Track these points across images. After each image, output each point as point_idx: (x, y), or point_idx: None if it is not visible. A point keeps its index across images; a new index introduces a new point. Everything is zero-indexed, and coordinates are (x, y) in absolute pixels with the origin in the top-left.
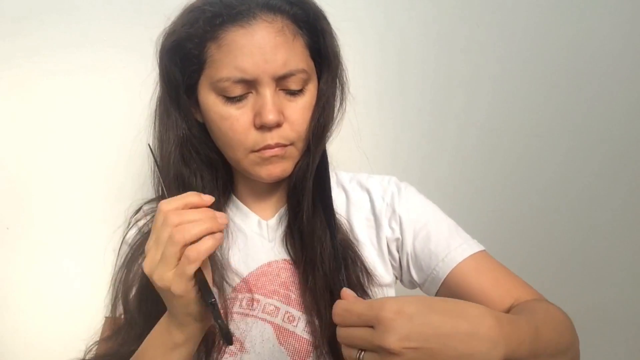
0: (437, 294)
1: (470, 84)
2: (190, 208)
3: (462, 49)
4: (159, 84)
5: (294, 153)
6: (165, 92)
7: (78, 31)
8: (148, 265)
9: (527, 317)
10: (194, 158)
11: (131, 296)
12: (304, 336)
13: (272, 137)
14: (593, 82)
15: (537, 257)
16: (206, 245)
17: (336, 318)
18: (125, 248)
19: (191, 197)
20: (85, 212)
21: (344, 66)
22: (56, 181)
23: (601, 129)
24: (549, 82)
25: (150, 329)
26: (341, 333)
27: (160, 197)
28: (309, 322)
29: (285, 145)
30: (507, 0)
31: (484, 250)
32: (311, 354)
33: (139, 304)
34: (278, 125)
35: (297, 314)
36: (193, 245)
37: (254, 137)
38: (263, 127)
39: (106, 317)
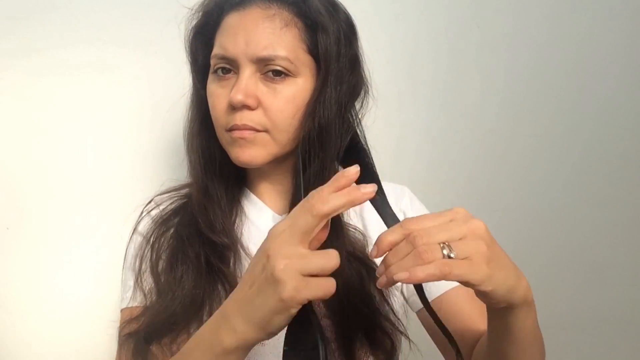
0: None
1: (478, 86)
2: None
3: (470, 51)
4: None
5: (268, 142)
6: (192, 72)
7: (78, 29)
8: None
9: None
10: (213, 135)
11: (160, 268)
12: None
13: (240, 118)
14: (605, 83)
15: (540, 258)
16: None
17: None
18: (137, 237)
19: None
20: (86, 212)
21: (363, 72)
22: (56, 181)
23: (615, 130)
24: (558, 84)
25: (182, 290)
26: (419, 239)
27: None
28: (324, 316)
29: (256, 130)
30: (515, 2)
31: None
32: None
33: (171, 269)
34: (247, 107)
35: None
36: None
37: (226, 116)
38: (233, 107)
39: (122, 309)
